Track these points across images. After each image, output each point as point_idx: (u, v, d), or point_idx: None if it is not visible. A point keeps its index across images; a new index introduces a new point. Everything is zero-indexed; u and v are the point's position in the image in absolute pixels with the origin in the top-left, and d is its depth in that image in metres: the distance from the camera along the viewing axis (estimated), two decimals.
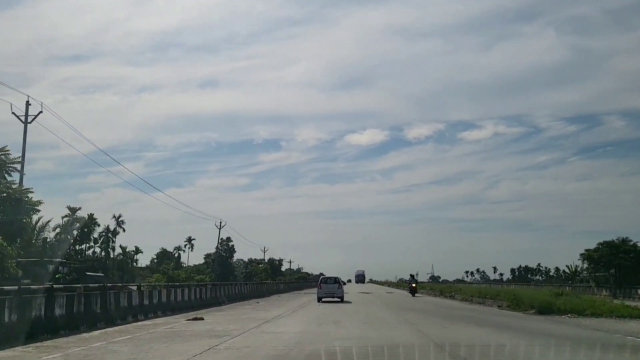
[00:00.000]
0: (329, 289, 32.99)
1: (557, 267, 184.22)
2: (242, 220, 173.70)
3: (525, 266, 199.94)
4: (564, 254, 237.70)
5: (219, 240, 73.66)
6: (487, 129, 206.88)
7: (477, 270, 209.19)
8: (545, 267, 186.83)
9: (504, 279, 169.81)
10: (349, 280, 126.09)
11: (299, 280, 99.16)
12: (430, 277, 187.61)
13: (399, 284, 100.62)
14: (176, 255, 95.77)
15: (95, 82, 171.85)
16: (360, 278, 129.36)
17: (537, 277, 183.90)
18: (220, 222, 74.58)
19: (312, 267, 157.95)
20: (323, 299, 32.44)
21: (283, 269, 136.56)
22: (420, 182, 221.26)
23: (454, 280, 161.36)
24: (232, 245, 75.61)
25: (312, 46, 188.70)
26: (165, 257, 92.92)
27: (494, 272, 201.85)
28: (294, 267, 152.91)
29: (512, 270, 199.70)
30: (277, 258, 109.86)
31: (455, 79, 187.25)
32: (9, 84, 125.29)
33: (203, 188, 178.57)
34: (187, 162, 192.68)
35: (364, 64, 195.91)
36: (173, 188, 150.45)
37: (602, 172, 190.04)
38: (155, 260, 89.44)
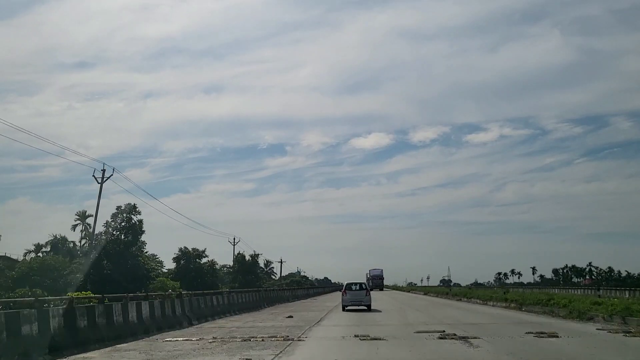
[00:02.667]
0: (355, 295, 28.46)
1: (610, 267, 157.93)
2: (249, 226, 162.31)
3: (573, 266, 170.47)
4: (576, 255, 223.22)
5: (98, 208, 35.25)
6: (493, 131, 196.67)
7: (512, 271, 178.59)
8: (597, 268, 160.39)
9: (525, 282, 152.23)
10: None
11: (288, 287, 60.97)
12: (441, 281, 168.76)
13: (411, 287, 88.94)
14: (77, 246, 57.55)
15: (101, 88, 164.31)
16: (377, 282, 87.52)
17: (578, 279, 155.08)
18: (103, 172, 36.06)
19: (317, 271, 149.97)
20: (347, 307, 27.81)
21: (279, 271, 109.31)
22: (426, 186, 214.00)
23: (472, 284, 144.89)
24: (140, 223, 37.56)
25: (317, 50, 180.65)
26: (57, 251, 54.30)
27: (533, 274, 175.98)
28: (292, 269, 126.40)
29: (555, 271, 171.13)
30: (256, 254, 70.42)
31: (460, 81, 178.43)
32: (16, 91, 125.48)
33: (209, 193, 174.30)
34: (193, 168, 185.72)
35: (369, 67, 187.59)
36: (179, 194, 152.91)
37: (609, 173, 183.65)
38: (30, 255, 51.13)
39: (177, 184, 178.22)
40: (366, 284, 32.30)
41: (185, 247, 46.82)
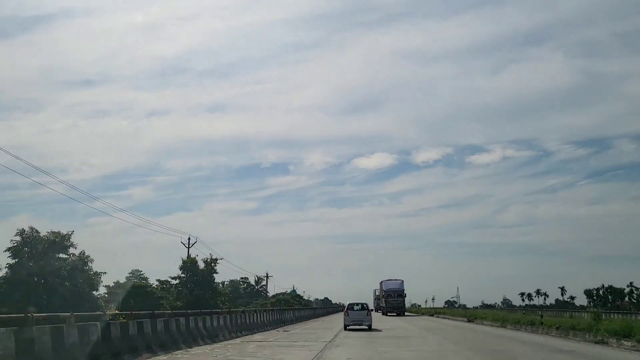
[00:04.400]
0: (357, 316, 28.60)
1: None
2: (250, 245, 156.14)
3: (609, 286, 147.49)
4: (580, 278, 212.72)
5: None
6: (496, 152, 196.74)
7: (537, 292, 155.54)
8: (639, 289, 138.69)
9: (523, 305, 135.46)
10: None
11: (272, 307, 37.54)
12: (446, 302, 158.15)
13: (435, 310, 66.44)
14: None
15: (105, 106, 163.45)
16: (396, 301, 55.44)
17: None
18: None
19: (319, 292, 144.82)
20: (349, 327, 28.16)
21: (270, 288, 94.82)
22: (429, 206, 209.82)
23: (481, 306, 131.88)
24: None
25: (321, 70, 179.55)
26: None
27: (562, 295, 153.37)
28: (287, 287, 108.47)
29: (588, 292, 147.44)
30: (213, 259, 46.68)
31: (464, 102, 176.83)
32: (21, 108, 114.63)
33: (211, 212, 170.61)
34: (195, 186, 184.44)
35: (373, 88, 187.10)
36: (182, 212, 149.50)
37: (613, 195, 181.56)
38: None
39: (180, 203, 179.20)
40: (367, 304, 30.85)
41: (34, 230, 23.54)
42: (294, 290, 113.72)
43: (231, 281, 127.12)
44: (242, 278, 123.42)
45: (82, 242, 30.97)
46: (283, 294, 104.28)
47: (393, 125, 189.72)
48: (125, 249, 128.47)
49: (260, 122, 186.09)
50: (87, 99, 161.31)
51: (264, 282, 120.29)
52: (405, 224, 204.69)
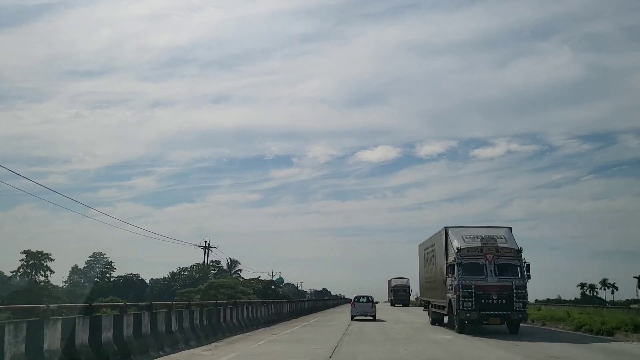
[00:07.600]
0: (362, 307, 32.10)
1: None
2: (253, 237, 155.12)
3: None
4: (583, 274, 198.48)
5: None
6: (500, 146, 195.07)
7: (603, 282, 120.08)
8: None
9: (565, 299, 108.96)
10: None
11: None
12: None
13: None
14: None
15: (109, 97, 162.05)
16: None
17: None
18: None
19: (319, 284, 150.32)
20: (356, 317, 31.81)
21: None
22: (432, 200, 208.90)
23: None
24: None
25: (326, 63, 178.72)
26: None
27: (609, 291, 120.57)
28: (291, 279, 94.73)
29: None
30: None
31: (469, 96, 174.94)
32: (25, 98, 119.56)
33: (215, 204, 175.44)
34: (199, 178, 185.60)
35: (377, 80, 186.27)
36: (185, 203, 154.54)
37: (617, 191, 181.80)
38: None
39: (183, 194, 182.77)
40: (372, 297, 33.02)
41: None
42: (280, 278, 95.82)
43: (197, 265, 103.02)
44: (212, 262, 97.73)
45: None
46: (255, 279, 73.20)
47: (397, 118, 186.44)
48: None
49: (264, 114, 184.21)
50: (91, 89, 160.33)
51: (239, 267, 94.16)
52: (408, 218, 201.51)
